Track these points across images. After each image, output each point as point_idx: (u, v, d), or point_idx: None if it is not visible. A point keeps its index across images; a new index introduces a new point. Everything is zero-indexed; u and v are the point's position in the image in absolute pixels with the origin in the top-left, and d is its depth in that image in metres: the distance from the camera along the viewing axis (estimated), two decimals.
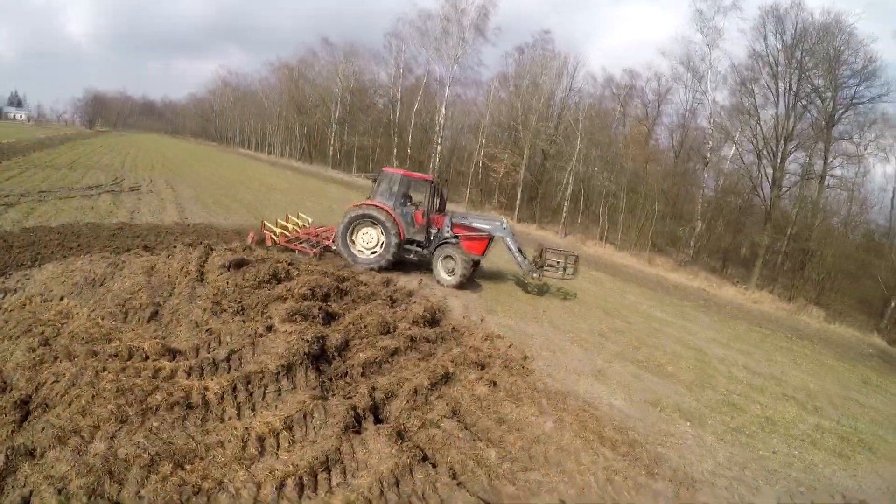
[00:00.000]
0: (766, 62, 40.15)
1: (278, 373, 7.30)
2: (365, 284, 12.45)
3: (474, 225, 16.81)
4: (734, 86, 43.17)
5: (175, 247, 12.47)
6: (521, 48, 53.87)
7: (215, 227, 18.31)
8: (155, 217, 18.42)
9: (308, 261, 14.61)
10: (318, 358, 8.24)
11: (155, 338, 8.03)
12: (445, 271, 16.17)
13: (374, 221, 16.12)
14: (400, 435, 6.85)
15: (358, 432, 6.68)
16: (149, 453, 5.31)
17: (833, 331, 29.36)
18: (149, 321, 8.86)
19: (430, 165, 53.98)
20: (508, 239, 16.75)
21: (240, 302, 9.48)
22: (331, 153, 68.35)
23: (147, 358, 7.27)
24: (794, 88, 38.70)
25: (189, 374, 7.03)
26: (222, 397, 6.58)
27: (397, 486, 5.92)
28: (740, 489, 8.06)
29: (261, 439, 5.98)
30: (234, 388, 6.79)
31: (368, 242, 16.34)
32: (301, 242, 17.03)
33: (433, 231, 16.91)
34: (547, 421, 8.25)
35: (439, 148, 55.20)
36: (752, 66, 41.32)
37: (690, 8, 45.08)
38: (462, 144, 57.47)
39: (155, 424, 5.83)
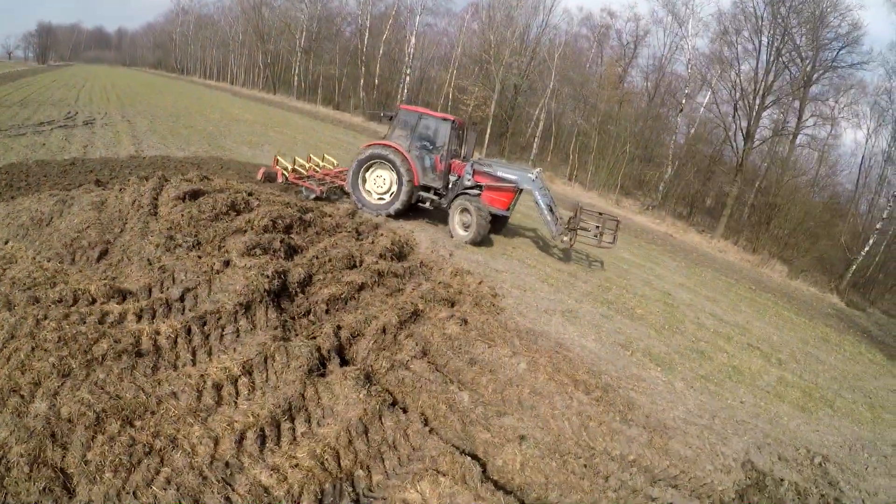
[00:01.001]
0: (751, 15, 39.39)
1: (236, 312, 6.71)
2: (329, 216, 11.70)
3: (499, 174, 14.55)
4: (716, 34, 42.58)
5: (128, 180, 11.37)
6: None
7: (172, 159, 17.07)
8: (109, 151, 17.12)
9: (271, 191, 13.56)
10: (280, 295, 7.66)
11: (103, 279, 7.30)
12: (461, 225, 14.36)
13: (386, 163, 14.59)
14: (368, 378, 6.39)
15: (323, 375, 6.24)
16: (94, 410, 4.71)
17: (794, 286, 29.81)
18: (98, 261, 8.12)
19: (398, 96, 52.31)
20: (538, 193, 14.25)
21: (195, 236, 8.66)
22: (295, 83, 64.89)
23: (94, 302, 6.56)
24: (777, 44, 38.19)
25: (139, 318, 6.37)
26: (175, 341, 5.98)
27: (366, 434, 5.50)
28: (711, 438, 7.90)
29: (217, 387, 5.45)
30: (189, 331, 6.18)
31: (381, 186, 14.87)
32: (309, 180, 15.78)
33: (452, 178, 15.07)
34: (520, 362, 7.89)
35: (408, 79, 53.33)
36: (736, 16, 40.61)
37: None
38: (431, 76, 55.83)
39: (101, 377, 5.20)
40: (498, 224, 15.76)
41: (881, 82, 39.54)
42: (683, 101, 43.46)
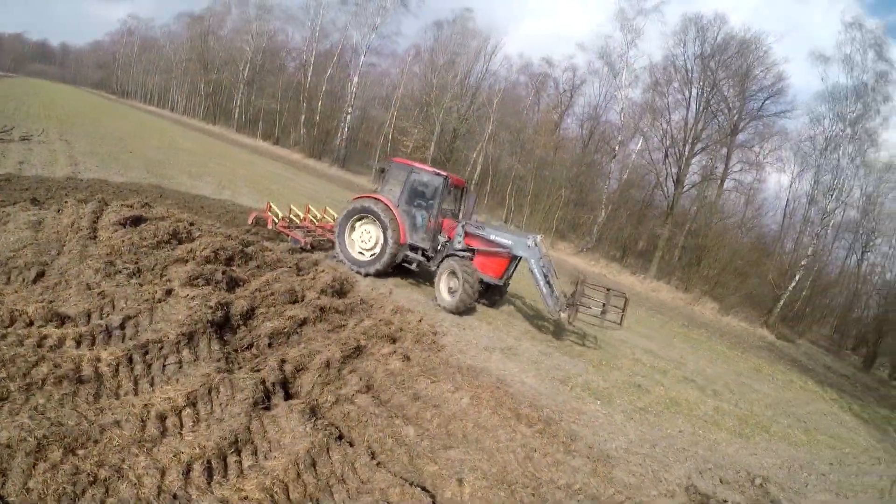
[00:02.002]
0: (682, 68, 41.92)
1: (179, 342, 6.50)
2: (270, 250, 11.54)
3: (491, 238, 13.15)
4: (648, 85, 44.68)
5: (66, 201, 10.97)
6: (440, 23, 52.28)
7: (111, 183, 16.20)
8: (45, 170, 16.21)
9: (212, 222, 12.97)
10: (222, 326, 7.48)
11: (41, 301, 6.89)
12: (447, 290, 12.88)
13: (374, 217, 13.41)
14: (313, 411, 6.24)
15: (268, 409, 6.04)
16: (35, 436, 4.40)
17: (726, 322, 31.00)
18: (34, 282, 7.65)
19: (339, 135, 51.99)
20: (533, 262, 12.58)
21: (136, 263, 8.40)
22: (236, 115, 63.78)
23: (31, 324, 6.20)
24: (706, 95, 40.60)
25: (79, 344, 6.06)
26: (117, 370, 5.69)
27: (314, 467, 5.34)
28: (653, 465, 8.11)
29: (162, 418, 5.20)
30: (130, 360, 5.90)
31: (366, 242, 13.70)
32: (296, 230, 14.87)
33: (442, 240, 13.78)
34: (463, 397, 7.92)
35: (349, 117, 52.80)
36: (668, 69, 42.93)
37: (613, 5, 46.33)
38: (372, 115, 55.70)
39: (41, 402, 4.91)
40: (492, 294, 14.49)
41: (804, 129, 41.90)
42: (617, 147, 44.91)
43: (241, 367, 6.72)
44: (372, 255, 13.57)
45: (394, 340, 9.22)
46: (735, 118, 41.02)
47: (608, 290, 13.31)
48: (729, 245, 40.98)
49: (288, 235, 14.41)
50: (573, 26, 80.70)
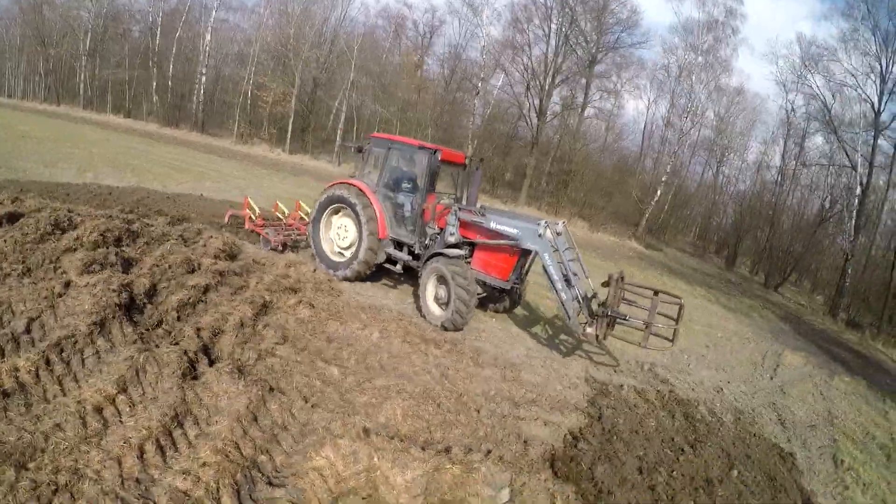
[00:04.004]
0: (542, 4, 42.26)
1: (91, 332, 6.23)
2: (152, 226, 10.93)
3: (492, 226, 9.99)
4: (509, 23, 45.02)
5: None
6: None
7: None
8: None
9: (87, 207, 11.72)
10: (129, 308, 7.19)
11: None
12: (435, 299, 10.06)
13: (348, 208, 11.15)
14: (241, 370, 6.38)
15: (196, 378, 6.08)
16: None
17: (597, 238, 32.97)
18: None
19: (194, 97, 47.87)
20: (547, 258, 9.31)
21: (23, 262, 7.77)
22: (81, 91, 54.63)
23: None
24: (565, 30, 41.37)
25: None
26: (38, 375, 5.44)
27: (256, 421, 5.54)
28: (553, 365, 9.07)
29: (99, 410, 5.11)
30: (48, 362, 5.64)
31: (344, 238, 11.45)
32: (267, 229, 12.90)
33: (431, 231, 10.76)
34: (373, 332, 8.37)
35: (203, 78, 48.50)
36: (528, 6, 43.16)
37: None
38: (227, 74, 51.18)
39: None
40: (501, 299, 11.48)
41: (659, 59, 45.65)
42: (479, 84, 44.93)
43: (158, 345, 6.58)
44: (348, 254, 11.39)
45: (296, 291, 9.32)
46: (593, 50, 42.48)
47: (655, 292, 9.24)
48: (593, 168, 43.52)
49: (261, 234, 12.72)
50: None
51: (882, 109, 33.37)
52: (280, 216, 14.23)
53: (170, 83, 49.33)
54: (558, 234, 9.50)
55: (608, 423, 7.35)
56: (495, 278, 10.16)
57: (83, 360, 5.97)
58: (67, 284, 7.18)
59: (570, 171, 42.19)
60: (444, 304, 9.79)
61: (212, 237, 10.86)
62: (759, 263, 44.11)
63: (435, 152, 10.44)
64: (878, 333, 27.58)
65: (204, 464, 4.69)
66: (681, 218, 49.55)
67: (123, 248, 8.98)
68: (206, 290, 8.37)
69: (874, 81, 33.64)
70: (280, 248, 12.28)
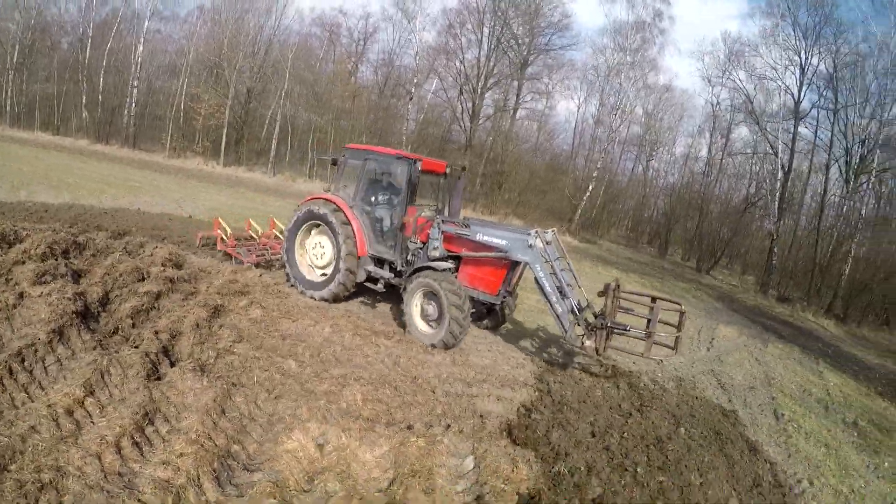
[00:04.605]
0: (475, 10, 43.07)
1: (51, 340, 6.27)
2: (95, 239, 10.61)
3: (478, 238, 9.57)
4: (442, 28, 45.65)
5: None
6: None
7: None
8: None
9: (28, 223, 11.40)
10: (85, 316, 7.23)
11: None
12: (422, 318, 9.53)
13: (325, 225, 10.62)
14: (202, 369, 6.59)
15: (159, 378, 6.25)
16: None
17: None
18: None
19: (126, 111, 45.37)
20: (538, 268, 8.97)
21: None
22: (8, 107, 49.42)
23: None
24: (497, 34, 42.48)
25: None
26: (3, 384, 5.50)
27: (224, 413, 5.78)
28: (499, 348, 9.57)
29: (70, 412, 5.22)
30: (11, 371, 5.67)
31: (320, 258, 10.92)
32: (239, 249, 12.48)
33: (414, 245, 10.19)
34: (324, 328, 8.66)
35: (135, 91, 45.86)
36: (462, 12, 43.91)
37: None
38: (160, 87, 48.62)
39: None
40: (488, 315, 11.02)
41: (589, 59, 47.14)
42: (413, 89, 45.25)
43: (118, 350, 6.65)
44: (325, 275, 10.86)
45: (245, 294, 9.43)
46: (525, 53, 43.71)
47: (653, 299, 9.03)
48: (526, 168, 44.14)
49: (234, 256, 12.24)
50: None
51: (802, 99, 35.81)
52: (253, 235, 13.72)
53: (100, 97, 46.66)
54: (548, 243, 9.22)
55: (557, 396, 7.81)
56: (484, 293, 9.73)
57: (45, 368, 6.02)
58: (21, 295, 7.10)
59: (503, 171, 42.84)
60: (432, 322, 9.34)
61: (157, 247, 10.77)
62: (690, 250, 46.32)
63: (415, 162, 9.96)
64: (808, 305, 29.66)
65: (181, 454, 4.89)
66: (613, 212, 51.20)
67: (72, 260, 8.90)
68: (158, 296, 8.42)
69: (793, 73, 36.06)
70: (253, 267, 11.63)
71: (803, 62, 35.57)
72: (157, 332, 7.20)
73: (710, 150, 48.43)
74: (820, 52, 35.10)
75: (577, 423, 7.13)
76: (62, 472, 4.50)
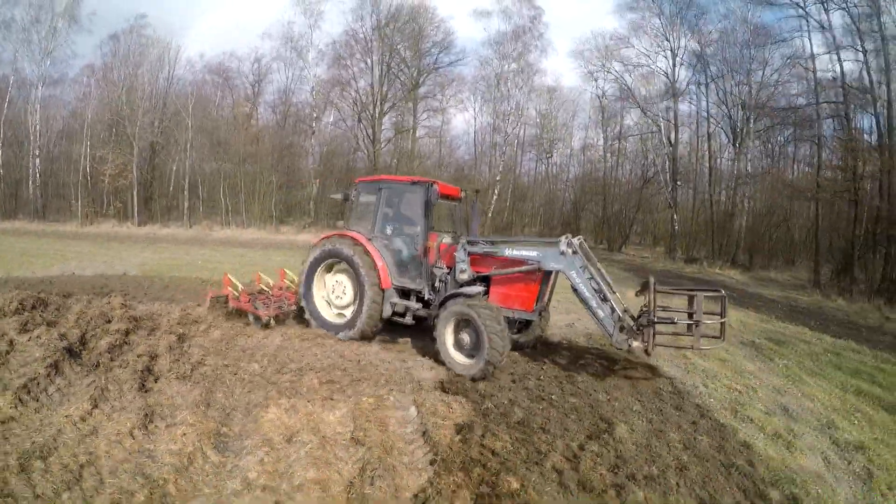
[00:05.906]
0: (362, 39, 44.73)
1: (49, 374, 7.36)
2: (53, 297, 11.73)
3: (507, 253, 9.41)
4: (333, 60, 46.70)
5: None
6: (116, 35, 46.77)
7: None
8: None
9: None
10: (71, 353, 8.27)
11: None
12: (456, 347, 9.09)
13: (344, 262, 10.26)
14: (183, 377, 7.83)
15: (148, 391, 7.39)
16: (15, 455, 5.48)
17: None
18: None
19: (30, 182, 43.90)
20: (574, 276, 8.79)
21: None
22: None
23: None
24: (386, 60, 44.29)
25: None
26: (17, 408, 6.58)
27: (210, 406, 7.02)
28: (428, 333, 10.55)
29: (83, 419, 6.32)
30: (21, 402, 6.73)
31: (340, 297, 10.55)
32: (255, 304, 11.66)
33: (440, 271, 9.97)
34: (276, 339, 9.94)
35: (37, 161, 44.14)
36: (349, 42, 45.34)
37: None
38: (61, 152, 47.07)
39: None
40: (524, 333, 10.69)
41: (477, 72, 49.25)
42: (313, 124, 46.34)
43: (110, 372, 7.86)
44: (344, 315, 10.55)
45: (201, 323, 10.73)
46: (415, 74, 45.85)
47: (692, 291, 8.97)
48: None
49: (249, 312, 11.46)
50: (253, 16, 79.18)
51: (676, 79, 38.91)
52: (265, 288, 12.94)
53: (1, 171, 44.53)
54: (575, 252, 8.90)
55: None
56: (520, 310, 9.36)
57: (49, 396, 7.07)
58: (11, 343, 8.13)
59: None
60: (470, 352, 8.85)
61: (107, 300, 11.77)
62: (600, 233, 48.96)
63: (432, 185, 9.59)
64: (714, 261, 32.41)
65: (185, 433, 6.15)
66: (523, 211, 53.14)
67: (42, 314, 9.95)
68: (128, 332, 9.51)
69: (665, 56, 39.10)
70: (271, 322, 11.09)
71: (673, 46, 38.96)
72: (138, 356, 8.37)
73: (605, 139, 51.79)
74: (686, 35, 39.49)
75: (500, 375, 8.79)
76: (94, 455, 5.66)
